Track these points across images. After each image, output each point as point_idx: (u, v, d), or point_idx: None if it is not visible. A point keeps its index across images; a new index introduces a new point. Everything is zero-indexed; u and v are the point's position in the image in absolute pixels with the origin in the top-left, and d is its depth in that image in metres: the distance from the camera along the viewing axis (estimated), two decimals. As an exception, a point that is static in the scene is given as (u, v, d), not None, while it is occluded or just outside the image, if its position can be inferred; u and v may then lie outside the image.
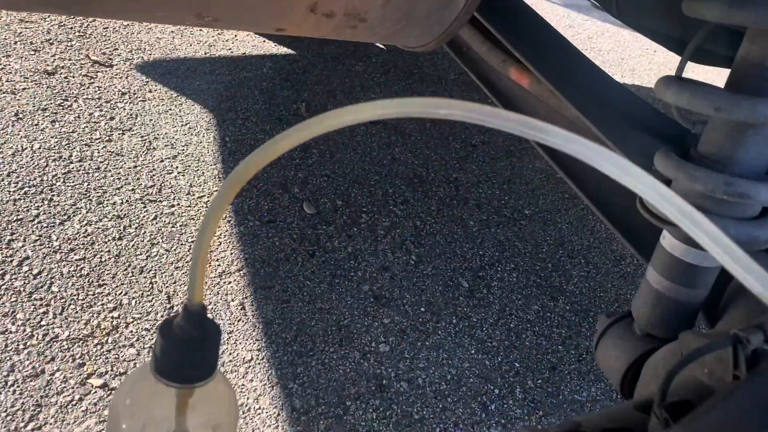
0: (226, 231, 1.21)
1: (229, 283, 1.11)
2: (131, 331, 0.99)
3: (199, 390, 0.54)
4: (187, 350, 0.51)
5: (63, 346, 0.94)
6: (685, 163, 0.58)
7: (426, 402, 1.00)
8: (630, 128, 0.79)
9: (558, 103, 0.95)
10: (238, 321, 1.05)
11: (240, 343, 1.02)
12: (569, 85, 0.85)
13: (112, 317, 1.00)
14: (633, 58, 2.55)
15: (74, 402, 0.88)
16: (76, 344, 0.95)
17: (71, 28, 1.62)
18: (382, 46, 1.98)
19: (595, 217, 1.48)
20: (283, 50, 1.83)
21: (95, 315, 1.00)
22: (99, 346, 0.95)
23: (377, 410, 0.97)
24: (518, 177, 1.57)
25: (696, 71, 2.37)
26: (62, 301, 1.00)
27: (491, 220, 1.41)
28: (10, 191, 1.16)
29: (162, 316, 1.02)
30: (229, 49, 1.76)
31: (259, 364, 0.99)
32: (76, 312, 0.99)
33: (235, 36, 1.84)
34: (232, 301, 1.08)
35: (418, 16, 0.71)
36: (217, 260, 1.14)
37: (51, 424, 0.85)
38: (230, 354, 1.00)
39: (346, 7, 0.65)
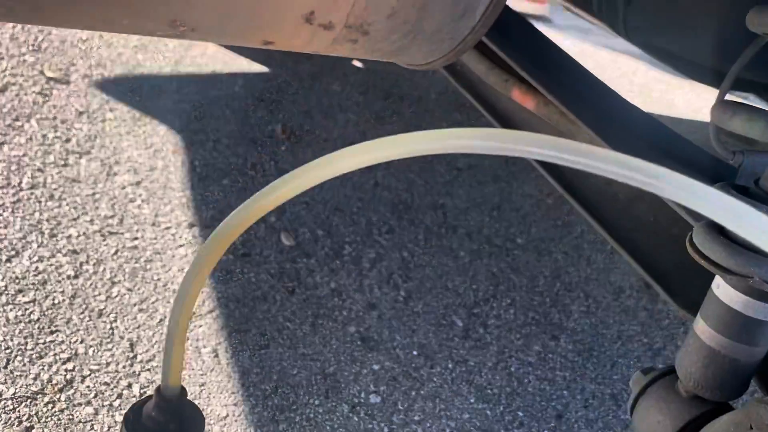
0: (187, 261, 1.09)
1: (200, 326, 0.99)
2: (87, 386, 0.86)
3: None
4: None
5: (7, 406, 0.81)
6: (757, 204, 0.49)
7: (424, 461, 0.89)
8: (659, 158, 0.71)
9: (568, 127, 0.87)
10: (211, 371, 0.93)
11: (214, 396, 0.90)
12: (587, 110, 0.77)
13: (66, 369, 0.87)
14: (612, 80, 2.51)
15: (18, 477, 0.75)
16: (23, 404, 0.82)
17: (24, 41, 1.48)
18: (360, 65, 1.89)
19: (590, 246, 1.41)
20: (255, 67, 1.72)
21: (46, 368, 0.87)
22: (50, 405, 0.82)
23: (371, 473, 0.86)
24: (508, 203, 1.49)
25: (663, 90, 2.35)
26: (7, 351, 0.87)
27: (483, 250, 1.32)
28: (-52, 223, 1.02)
29: (124, 368, 0.90)
30: (198, 65, 1.65)
31: (236, 421, 0.87)
32: (24, 365, 0.86)
33: (204, 51, 1.72)
34: (204, 347, 0.96)
35: (428, 29, 0.62)
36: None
37: (-12, 505, 0.71)
38: (203, 409, 0.88)
39: (347, 17, 0.56)
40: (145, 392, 0.88)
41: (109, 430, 0.81)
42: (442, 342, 1.09)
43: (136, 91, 1.46)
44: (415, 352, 1.05)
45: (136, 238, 1.11)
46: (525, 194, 1.54)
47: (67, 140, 1.26)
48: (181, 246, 1.12)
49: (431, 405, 0.97)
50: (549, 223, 1.45)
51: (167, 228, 1.15)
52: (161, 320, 0.98)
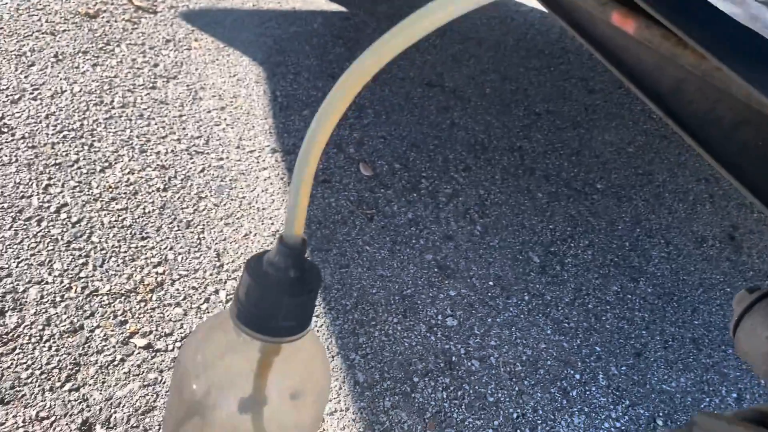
0: (279, 188, 1.11)
1: (283, 243, 1.01)
2: (177, 289, 0.89)
3: (288, 347, 0.43)
4: (280, 294, 0.40)
5: (103, 301, 0.85)
6: None
7: (501, 384, 0.89)
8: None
9: (672, 51, 0.83)
10: (293, 284, 0.95)
11: (295, 308, 0.92)
12: (698, 29, 0.73)
13: (157, 272, 0.91)
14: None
15: (116, 362, 0.78)
16: (118, 300, 0.86)
17: (114, -29, 1.52)
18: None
19: (672, 195, 1.36)
20: (334, 7, 1.72)
21: (138, 269, 0.90)
22: (142, 304, 0.86)
23: (447, 389, 0.87)
24: (587, 149, 1.45)
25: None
26: (103, 252, 0.91)
27: (561, 192, 1.30)
28: (48, 134, 1.07)
29: (211, 275, 0.93)
30: (278, 2, 1.66)
31: (318, 331, 0.89)
32: (118, 265, 0.90)
33: (284, -10, 1.73)
34: (286, 262, 0.98)
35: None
36: (270, 219, 1.04)
37: (90, 385, 0.75)
38: (284, 320, 0.90)
39: None
40: (230, 299, 0.90)
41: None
42: (518, 276, 1.08)
43: (220, 23, 1.48)
44: (491, 283, 1.05)
45: (221, 159, 1.13)
46: (605, 141, 1.49)
47: (155, 65, 1.29)
48: (264, 169, 1.14)
49: (507, 333, 0.97)
50: (629, 171, 1.41)
51: (251, 151, 1.17)
52: (246, 235, 1.00)
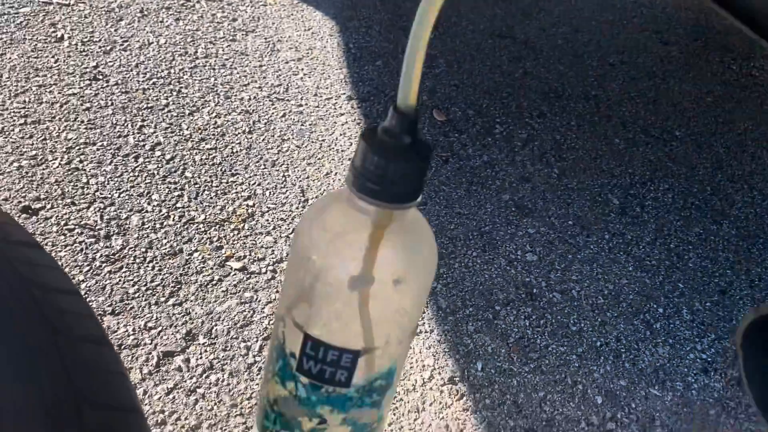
0: (356, 132, 1.13)
1: (363, 181, 1.03)
2: (267, 220, 0.93)
3: (399, 222, 0.45)
4: (395, 160, 0.42)
5: (200, 228, 0.89)
6: None
7: (583, 314, 0.90)
8: None
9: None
10: (375, 219, 0.98)
11: (378, 240, 0.94)
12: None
13: (247, 205, 0.95)
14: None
15: (214, 282, 0.83)
16: (213, 228, 0.90)
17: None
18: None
19: (755, 143, 1.32)
20: (402, -35, 1.72)
21: (230, 202, 0.94)
22: (236, 232, 0.90)
23: (529, 318, 0.88)
24: (664, 98, 1.42)
25: None
26: (196, 186, 0.95)
27: (638, 139, 1.28)
28: (139, 81, 1.12)
29: (297, 208, 0.96)
30: (348, -39, 1.67)
31: (399, 262, 0.92)
32: (211, 197, 0.94)
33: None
34: (368, 199, 1.01)
35: None
36: (349, 160, 1.07)
37: (191, 300, 0.80)
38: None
39: None
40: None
41: (283, 258, 0.88)
42: (598, 216, 1.07)
43: (293, -19, 1.51)
44: (570, 222, 1.05)
45: (300, 105, 1.16)
46: (682, 91, 1.46)
47: (234, 19, 1.33)
48: (341, 115, 1.16)
49: (588, 268, 0.97)
50: (709, 119, 1.37)
51: (328, 99, 1.20)
52: (327, 173, 1.03)
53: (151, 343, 0.74)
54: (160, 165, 0.97)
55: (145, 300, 0.78)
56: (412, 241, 0.46)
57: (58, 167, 0.93)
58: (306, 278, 0.44)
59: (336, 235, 0.44)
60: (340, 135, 1.12)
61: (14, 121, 0.99)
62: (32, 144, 0.96)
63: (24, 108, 1.02)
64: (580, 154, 1.21)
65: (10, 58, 1.10)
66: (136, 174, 0.95)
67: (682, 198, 1.15)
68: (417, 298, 0.46)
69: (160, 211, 0.90)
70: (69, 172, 0.93)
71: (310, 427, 0.46)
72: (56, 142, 0.97)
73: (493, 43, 1.47)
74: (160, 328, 0.76)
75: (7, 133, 0.96)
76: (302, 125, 1.12)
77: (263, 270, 0.86)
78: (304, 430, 0.47)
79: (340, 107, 1.18)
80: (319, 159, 1.06)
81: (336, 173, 1.03)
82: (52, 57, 1.13)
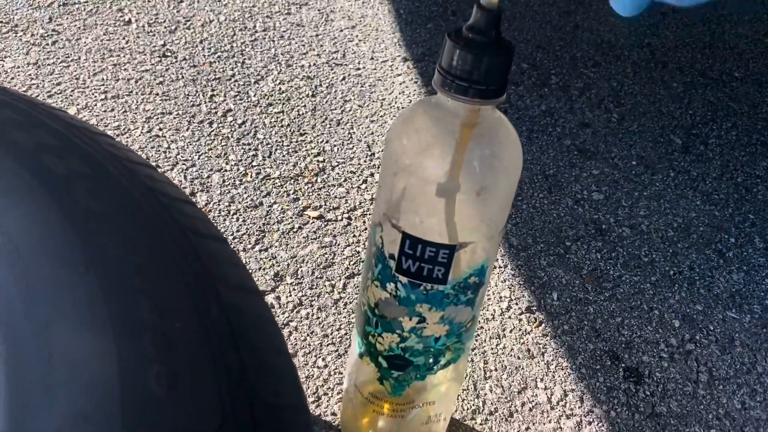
0: (414, 91, 1.16)
1: (426, 135, 1.06)
2: (337, 173, 0.97)
3: (485, 124, 0.48)
4: (481, 55, 0.44)
5: (276, 183, 0.94)
6: None
7: (654, 246, 0.91)
8: None
9: None
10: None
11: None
12: None
13: (318, 161, 0.99)
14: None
15: (295, 229, 0.87)
16: (288, 182, 0.94)
17: None
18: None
19: (819, 78, 1.29)
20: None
21: (301, 158, 0.98)
22: (310, 185, 0.94)
23: (601, 251, 0.89)
24: (720, 42, 1.40)
25: None
26: (268, 146, 1.00)
27: (697, 81, 1.27)
28: (205, 55, 1.17)
29: (365, 162, 1.00)
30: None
31: (468, 206, 0.94)
32: (283, 156, 0.99)
33: None
34: (432, 150, 1.03)
35: None
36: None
37: (276, 246, 0.84)
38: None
39: None
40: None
41: (356, 206, 0.92)
42: (661, 155, 1.08)
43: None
44: (634, 162, 1.05)
45: (358, 69, 1.20)
46: (739, 34, 1.44)
47: (287, -6, 1.38)
48: (398, 75, 1.19)
49: (656, 204, 0.98)
50: (769, 59, 1.35)
51: (384, 61, 1.23)
52: (391, 129, 1.06)
53: (242, 285, 0.79)
54: (233, 129, 1.02)
55: (234, 247, 0.83)
56: (499, 140, 0.48)
57: (140, 135, 0.98)
58: (399, 182, 0.47)
59: (424, 138, 0.47)
60: (399, 93, 1.15)
61: (96, 96, 1.05)
62: (114, 116, 1.02)
63: (103, 85, 1.08)
64: (638, 99, 1.21)
65: (85, 42, 1.17)
66: (212, 138, 1.00)
67: (746, 135, 1.14)
68: (506, 195, 0.48)
69: (238, 169, 0.95)
70: (151, 139, 0.98)
71: (411, 327, 0.50)
72: (136, 113, 1.03)
73: (541, 0, 1.47)
74: (251, 271, 0.80)
75: (90, 107, 1.02)
76: (362, 87, 1.15)
77: (339, 217, 0.90)
78: (404, 330, 0.50)
79: (397, 68, 1.21)
80: (381, 116, 1.09)
81: (399, 128, 1.06)
82: (123, 39, 1.19)
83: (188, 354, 0.35)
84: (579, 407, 0.70)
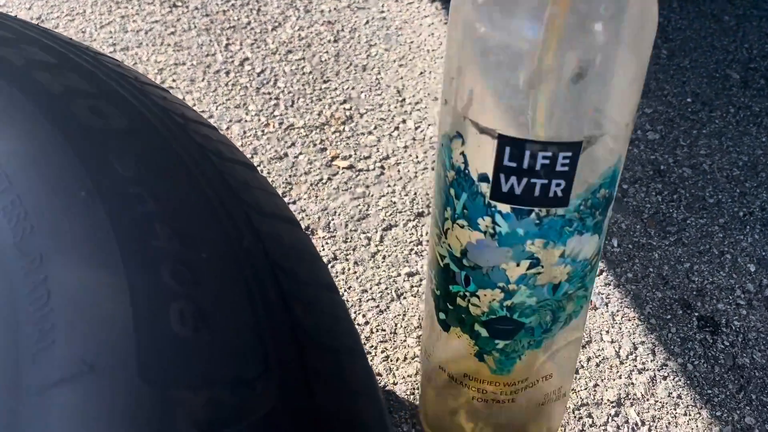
0: (444, 32, 1.07)
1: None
2: (366, 121, 0.89)
3: None
4: None
5: (300, 133, 0.86)
6: None
7: (719, 187, 0.82)
8: None
9: None
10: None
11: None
12: None
13: (344, 108, 0.91)
14: None
15: (324, 181, 0.80)
16: (314, 132, 0.87)
17: None
18: None
19: None
20: None
21: (326, 107, 0.91)
22: (337, 134, 0.87)
23: (661, 194, 0.81)
24: (772, -28, 1.29)
25: None
26: (290, 95, 0.92)
27: (750, 14, 1.16)
28: (218, 4, 1.10)
29: (395, 108, 0.92)
30: None
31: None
32: (307, 104, 0.91)
33: None
34: (467, 93, 0.95)
35: None
36: (441, 58, 1.01)
37: (305, 199, 0.77)
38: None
39: None
40: (419, 126, 0.89)
41: (389, 155, 0.84)
42: (718, 91, 0.98)
43: None
44: (689, 99, 0.96)
45: (382, 11, 1.11)
46: (792, -37, 1.32)
47: (302, -60, 1.29)
48: (426, 17, 1.11)
49: (717, 142, 0.89)
50: (828, -13, 1.24)
51: (410, 3, 1.14)
52: (421, 73, 0.98)
53: (270, 240, 0.72)
54: (251, 78, 0.95)
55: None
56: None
57: (152, 87, 0.91)
58: (479, 62, 0.33)
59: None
60: (428, 36, 1.06)
61: (103, 49, 0.98)
62: (124, 69, 0.94)
63: (111, 38, 1.01)
64: (688, 33, 1.11)
65: (90, -5, 1.09)
66: (230, 88, 0.93)
67: (811, 67, 1.04)
68: (638, 66, 0.34)
69: (259, 119, 0.88)
70: (164, 91, 0.91)
71: (519, 275, 0.37)
72: (147, 65, 0.96)
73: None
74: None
75: (99, 60, 0.95)
76: (388, 30, 1.07)
77: (371, 167, 0.82)
78: (510, 280, 0.37)
79: (424, 10, 1.12)
80: (410, 60, 1.01)
81: (430, 72, 0.98)
82: (130, -10, 1.11)
83: (218, 288, 0.28)
84: (651, 361, 0.63)
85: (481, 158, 0.34)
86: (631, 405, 0.59)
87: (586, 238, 0.37)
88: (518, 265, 0.37)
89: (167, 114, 0.38)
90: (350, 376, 0.28)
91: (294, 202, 0.77)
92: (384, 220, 0.76)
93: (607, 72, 0.33)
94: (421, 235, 0.74)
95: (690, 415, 0.59)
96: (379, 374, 0.60)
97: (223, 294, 0.27)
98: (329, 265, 0.70)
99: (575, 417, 0.58)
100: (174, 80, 0.93)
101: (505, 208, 0.35)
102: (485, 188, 0.35)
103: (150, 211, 0.30)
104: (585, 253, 0.38)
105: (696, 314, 0.67)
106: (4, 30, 0.42)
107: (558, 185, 0.34)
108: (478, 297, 0.39)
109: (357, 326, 0.64)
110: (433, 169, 0.83)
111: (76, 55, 0.42)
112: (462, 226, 0.37)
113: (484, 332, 0.40)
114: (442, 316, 0.42)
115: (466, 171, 0.35)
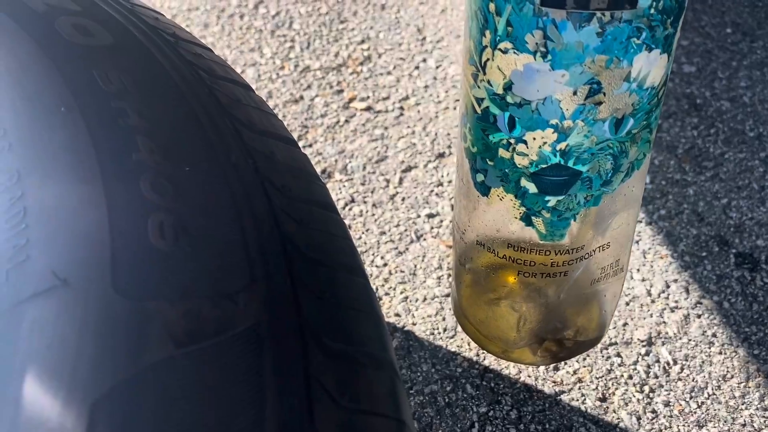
0: None
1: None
2: (385, 61, 0.86)
3: None
4: None
5: (317, 75, 0.84)
6: None
7: (760, 119, 0.77)
8: None
9: None
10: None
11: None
12: None
13: (362, 49, 0.88)
14: None
15: (341, 123, 0.77)
16: (330, 73, 0.84)
17: None
18: None
19: None
20: None
21: (344, 47, 0.88)
22: (355, 75, 0.84)
23: (697, 128, 0.76)
24: None
25: None
26: (306, 36, 0.89)
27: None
28: (232, -53, 1.06)
29: (415, 47, 0.88)
30: None
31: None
32: (323, 46, 0.88)
33: None
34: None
35: None
36: None
37: (321, 142, 0.75)
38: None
39: None
40: (440, 65, 0.85)
41: (409, 95, 0.81)
42: (761, 20, 0.92)
43: None
44: (728, 30, 0.90)
45: (402, -50, 1.06)
46: None
47: None
48: (447, -47, 1.06)
49: (758, 73, 0.84)
50: None
51: (430, -60, 1.09)
52: (443, 10, 0.94)
53: (286, 183, 0.70)
54: (266, 21, 0.92)
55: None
56: None
57: (166, 33, 0.89)
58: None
59: None
60: (450, -27, 1.01)
61: (116, -3, 0.96)
62: (137, 16, 0.92)
63: (124, -15, 0.98)
64: (729, -39, 1.04)
65: (102, -57, 1.07)
66: (244, 31, 0.90)
67: None
68: None
69: (274, 62, 0.85)
70: (177, 37, 0.89)
71: (575, 107, 0.31)
72: (160, 10, 0.93)
73: None
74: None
75: (111, 7, 0.93)
76: (407, -31, 1.02)
77: (390, 108, 0.79)
78: (566, 116, 0.31)
79: (445, -53, 1.07)
80: (431, -2, 0.96)
81: (452, 9, 0.94)
82: (143, -63, 1.08)
83: (201, 201, 0.26)
84: (685, 299, 0.59)
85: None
86: (663, 344, 0.56)
87: (654, 56, 0.31)
88: (575, 93, 0.31)
89: (156, 32, 0.36)
90: (344, 292, 0.26)
91: (310, 145, 0.74)
92: (403, 161, 0.73)
93: None
94: (442, 176, 0.71)
95: (725, 353, 0.56)
96: (398, 315, 0.58)
97: (206, 207, 0.25)
98: (347, 208, 0.68)
99: (603, 356, 0.55)
100: (187, 25, 0.91)
101: (559, 15, 0.29)
102: None
103: (132, 125, 0.28)
104: (653, 79, 0.32)
105: (733, 251, 0.63)
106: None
107: None
108: (525, 143, 0.33)
109: (375, 268, 0.62)
110: (454, 108, 0.79)
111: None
112: (505, 51, 0.31)
113: (532, 187, 0.34)
114: (479, 177, 0.36)
115: None
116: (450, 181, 0.71)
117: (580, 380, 0.54)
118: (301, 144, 0.75)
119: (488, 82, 0.33)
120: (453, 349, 0.56)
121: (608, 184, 0.35)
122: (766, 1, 0.95)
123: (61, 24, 0.34)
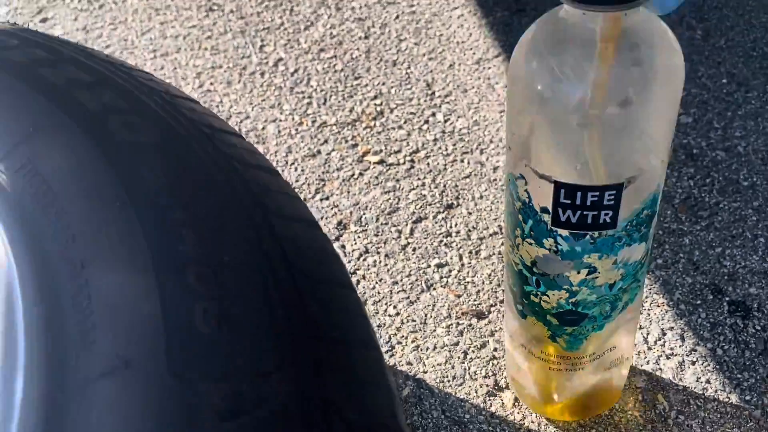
0: (474, 23, 1.08)
1: (489, 68, 0.99)
2: (396, 115, 0.91)
3: (629, 35, 0.39)
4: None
5: (333, 130, 0.89)
6: None
7: (754, 169, 0.81)
8: None
9: None
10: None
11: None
12: None
13: (375, 104, 0.93)
14: None
15: (355, 176, 0.82)
16: (346, 128, 0.89)
17: None
18: None
19: None
20: None
21: (358, 103, 0.93)
22: (368, 129, 0.89)
23: (693, 178, 0.80)
24: (816, -58, 1.24)
25: None
26: (323, 93, 0.95)
27: (791, -13, 1.13)
28: (252, 6, 1.13)
29: (425, 101, 0.93)
30: None
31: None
32: (339, 102, 0.93)
33: None
34: (496, 84, 0.96)
35: None
36: (471, 50, 1.02)
37: (337, 194, 0.80)
38: (505, 134, 0.88)
39: None
40: (448, 119, 0.91)
41: (419, 148, 0.86)
42: (755, 71, 0.96)
43: None
44: (724, 80, 0.95)
45: (412, 6, 1.12)
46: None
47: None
48: (455, 8, 1.12)
49: (753, 123, 0.88)
50: None
51: (439, -4, 1.15)
52: (451, 65, 0.99)
53: (305, 236, 0.75)
54: (285, 78, 0.98)
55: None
56: (652, 45, 0.39)
57: (191, 91, 0.95)
58: (537, 118, 0.40)
59: (560, 59, 0.39)
60: (458, 27, 1.07)
61: (145, 56, 1.02)
62: (164, 74, 0.99)
63: (151, 44, 1.05)
64: (724, 12, 1.09)
65: (131, 3, 1.14)
66: (264, 89, 0.96)
67: None
68: (670, 109, 0.41)
69: (293, 118, 0.91)
70: (202, 94, 0.95)
71: (580, 280, 0.44)
72: (186, 69, 1.00)
73: None
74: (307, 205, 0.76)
75: (140, 66, 1.00)
76: (417, 24, 1.08)
77: (401, 161, 0.84)
78: (573, 284, 0.45)
79: (453, 2, 1.13)
80: (440, 53, 1.02)
81: (459, 64, 0.99)
82: (169, -3, 1.15)
83: (238, 289, 0.31)
84: (680, 346, 0.63)
85: (542, 195, 0.42)
86: (660, 390, 0.60)
87: (634, 247, 0.43)
88: (578, 272, 0.44)
89: (195, 125, 0.41)
90: (361, 367, 0.30)
91: (327, 198, 0.79)
92: (414, 213, 0.78)
93: (641, 124, 0.39)
94: (450, 227, 0.76)
95: (719, 399, 0.59)
96: (410, 363, 0.62)
97: (242, 294, 0.30)
98: (361, 258, 0.72)
99: (602, 402, 0.59)
100: (212, 83, 0.97)
101: (564, 232, 0.42)
102: (546, 217, 0.42)
103: (178, 218, 0.33)
104: (635, 258, 0.44)
105: (727, 299, 0.67)
106: (47, 52, 0.45)
107: (606, 214, 0.40)
108: (547, 296, 0.46)
109: (388, 317, 0.67)
110: (461, 161, 0.84)
111: (111, 72, 0.45)
112: (530, 243, 0.44)
113: (555, 321, 0.48)
114: (519, 307, 0.50)
115: (530, 204, 0.42)
116: (458, 232, 0.76)
117: (581, 425, 0.58)
118: (318, 197, 0.80)
119: (520, 256, 0.46)
120: (462, 396, 0.60)
121: (608, 318, 0.48)
122: (761, 51, 1.00)
123: (112, 123, 0.39)
